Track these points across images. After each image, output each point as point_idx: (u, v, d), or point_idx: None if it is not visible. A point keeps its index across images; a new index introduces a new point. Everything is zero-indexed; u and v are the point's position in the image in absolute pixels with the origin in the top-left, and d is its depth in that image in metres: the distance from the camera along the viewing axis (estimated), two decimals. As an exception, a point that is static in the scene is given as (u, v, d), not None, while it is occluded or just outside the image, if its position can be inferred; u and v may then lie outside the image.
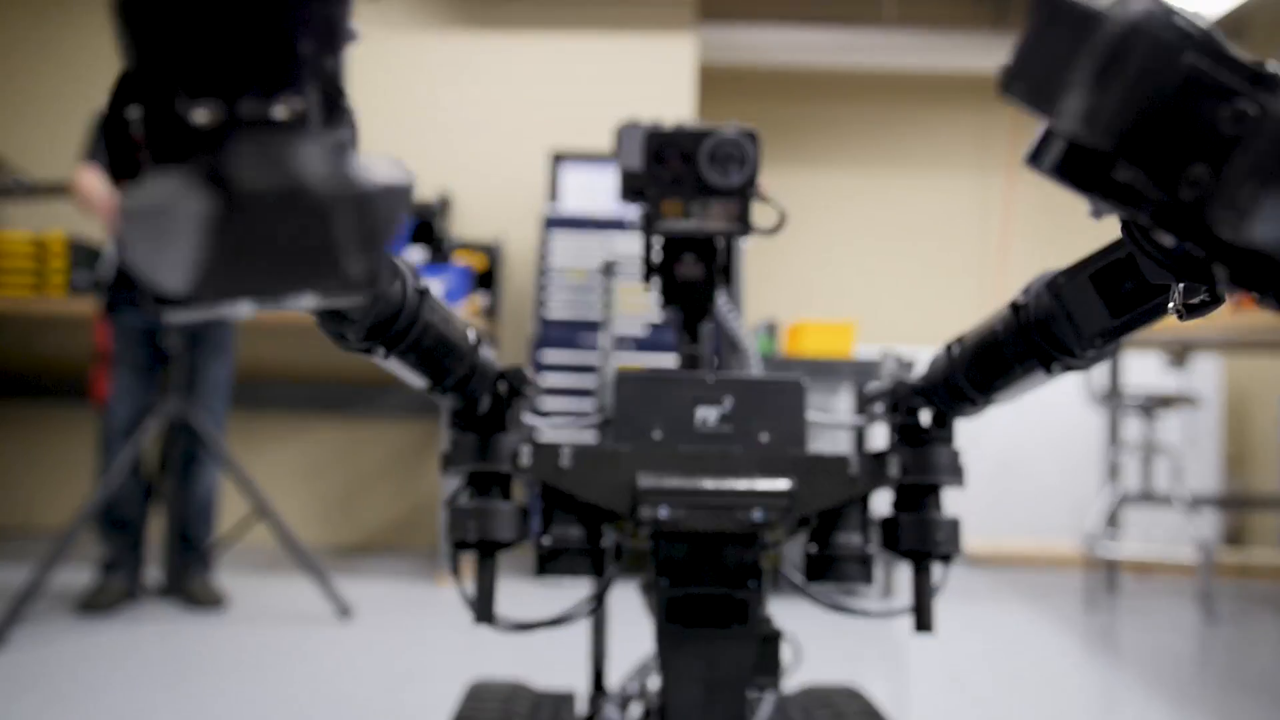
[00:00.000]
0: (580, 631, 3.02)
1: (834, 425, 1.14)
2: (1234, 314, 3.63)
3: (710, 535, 1.05)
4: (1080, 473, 5.30)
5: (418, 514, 5.13)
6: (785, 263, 6.14)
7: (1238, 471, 5.73)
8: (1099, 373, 4.76)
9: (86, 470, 4.79)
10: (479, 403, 1.08)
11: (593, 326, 4.41)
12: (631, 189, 1.23)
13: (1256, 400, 5.70)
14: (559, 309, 4.47)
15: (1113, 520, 4.48)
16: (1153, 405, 4.29)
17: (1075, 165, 0.46)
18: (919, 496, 1.10)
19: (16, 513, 5.11)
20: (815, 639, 2.21)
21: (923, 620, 1.10)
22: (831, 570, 1.09)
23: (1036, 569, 5.09)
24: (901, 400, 1.10)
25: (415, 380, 0.94)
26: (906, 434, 1.10)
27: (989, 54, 5.71)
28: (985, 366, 0.93)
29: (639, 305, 4.35)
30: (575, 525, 1.08)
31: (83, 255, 4.48)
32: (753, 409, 1.08)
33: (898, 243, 6.26)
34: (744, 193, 1.12)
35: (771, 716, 1.41)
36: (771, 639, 1.11)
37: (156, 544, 3.86)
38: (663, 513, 1.02)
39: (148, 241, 0.35)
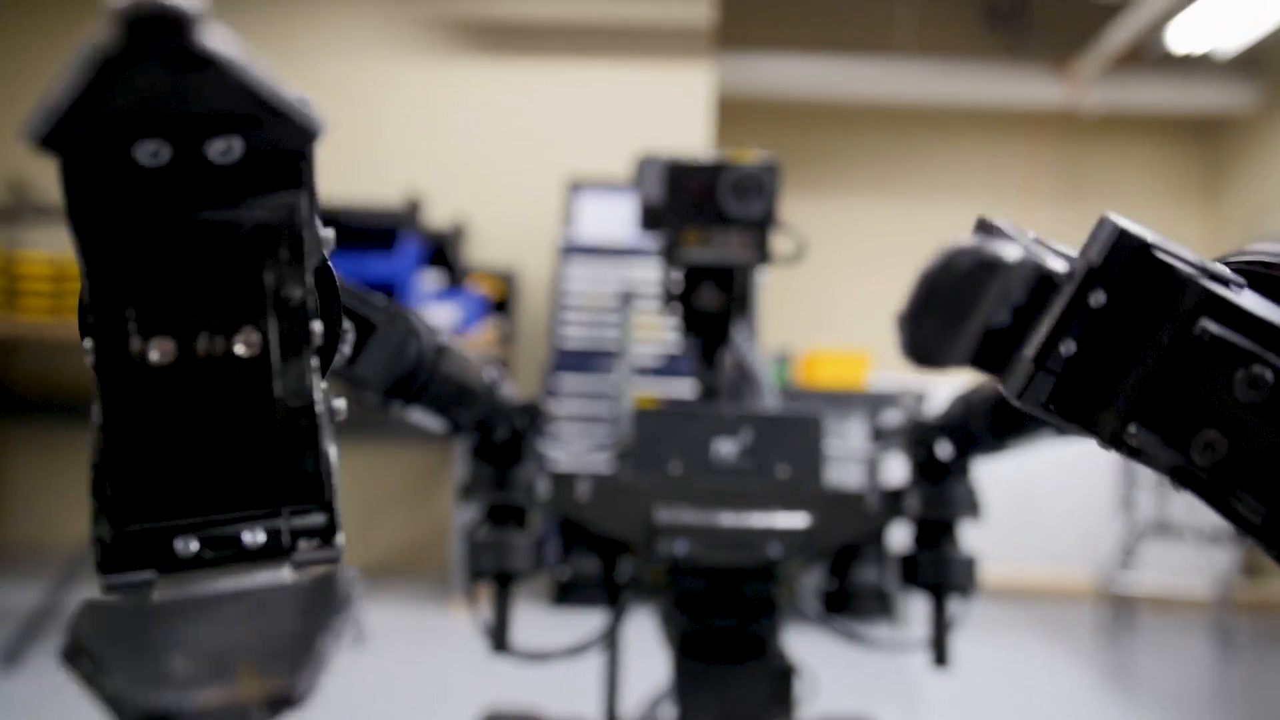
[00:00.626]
0: (594, 658, 3.01)
1: (849, 458, 1.14)
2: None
3: (728, 571, 1.04)
4: (1094, 501, 5.27)
5: (430, 538, 5.12)
6: (799, 292, 6.13)
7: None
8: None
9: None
10: (495, 434, 1.08)
11: (608, 353, 4.41)
12: (651, 220, 1.24)
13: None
14: (574, 336, 4.48)
15: (1127, 553, 4.45)
16: (1168, 437, 4.27)
17: (1070, 400, 0.44)
18: (937, 533, 1.10)
19: (32, 532, 5.13)
20: (827, 671, 2.21)
21: (940, 655, 1.09)
22: (849, 605, 1.08)
23: (1050, 601, 5.06)
24: (920, 436, 1.10)
25: (433, 425, 0.94)
26: (925, 470, 1.10)
27: (1004, 84, 5.72)
28: (1001, 418, 0.93)
29: (655, 334, 4.35)
30: (592, 557, 1.08)
31: None
32: (771, 443, 1.08)
33: (912, 272, 6.25)
34: (764, 224, 1.12)
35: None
36: (785, 674, 1.10)
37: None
38: (680, 549, 1.02)
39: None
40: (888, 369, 5.21)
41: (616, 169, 4.96)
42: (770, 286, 5.76)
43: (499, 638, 1.09)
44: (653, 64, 5.29)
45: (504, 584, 1.09)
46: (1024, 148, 6.25)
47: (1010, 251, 0.42)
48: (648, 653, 2.03)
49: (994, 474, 4.77)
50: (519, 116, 5.29)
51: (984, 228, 0.45)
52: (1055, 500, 5.33)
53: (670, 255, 1.18)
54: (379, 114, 5.30)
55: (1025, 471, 5.21)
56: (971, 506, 1.11)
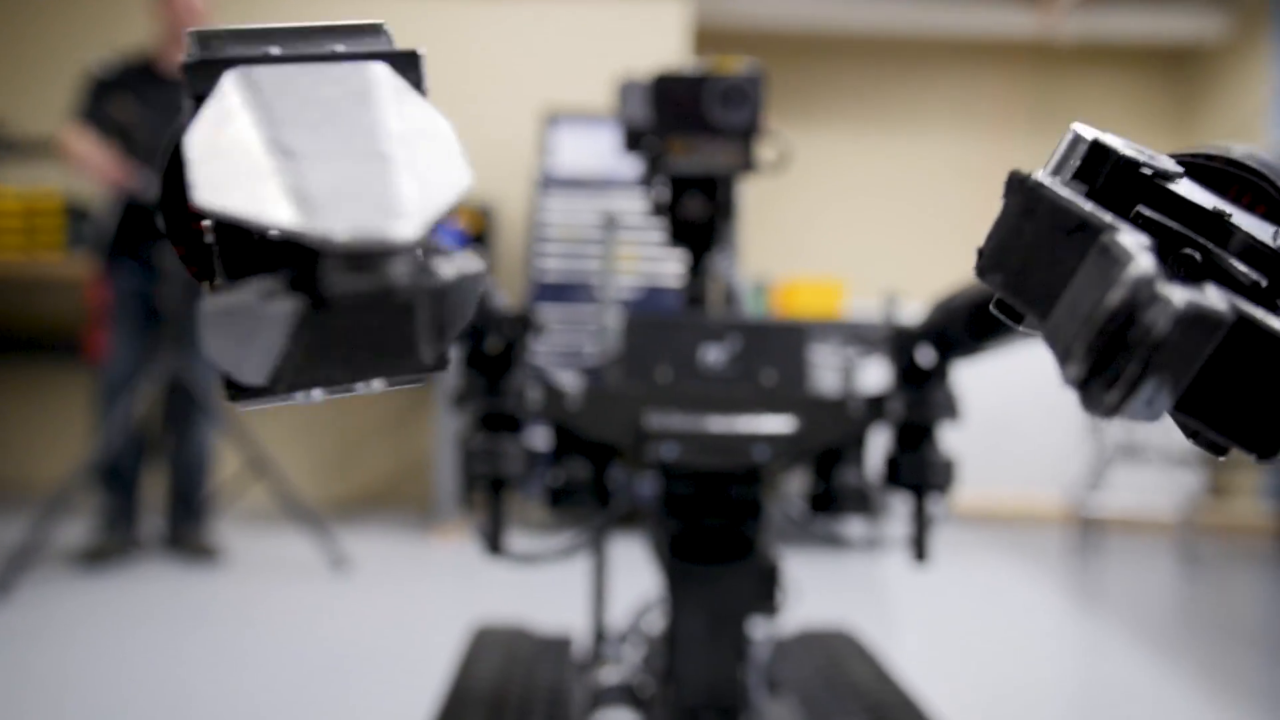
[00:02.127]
0: (573, 584, 3.06)
1: (831, 366, 1.16)
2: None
3: (715, 474, 1.07)
4: (1064, 426, 5.35)
5: (412, 470, 5.15)
6: (777, 221, 6.14)
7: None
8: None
9: (80, 428, 4.79)
10: (487, 343, 1.10)
11: (586, 285, 4.41)
12: (634, 141, 1.24)
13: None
14: (552, 268, 4.47)
15: (1096, 476, 4.53)
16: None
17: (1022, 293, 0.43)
18: (918, 435, 1.13)
19: (10, 470, 5.12)
20: (807, 582, 2.27)
21: (920, 550, 1.12)
22: (833, 505, 1.11)
23: (1021, 524, 5.15)
24: (902, 342, 1.12)
25: None
26: (906, 375, 1.12)
27: (979, 14, 5.70)
28: (978, 321, 0.95)
29: (635, 265, 4.35)
30: (583, 463, 1.10)
31: (78, 214, 4.46)
32: (757, 350, 1.09)
33: (888, 202, 6.27)
34: (749, 133, 1.13)
35: (769, 659, 1.44)
36: (771, 572, 1.13)
37: (154, 499, 3.88)
38: (669, 453, 1.04)
39: (229, 340, 0.33)
40: (863, 297, 5.24)
41: (593, 101, 4.92)
42: (748, 215, 5.77)
43: (493, 540, 1.11)
44: (628, -6, 5.23)
45: (496, 489, 1.11)
46: (999, 78, 6.24)
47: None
48: (630, 581, 2.06)
49: (968, 397, 4.80)
50: (495, 49, 5.23)
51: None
52: (1026, 425, 5.40)
53: (656, 166, 1.19)
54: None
55: (999, 394, 5.28)
56: (950, 410, 1.14)
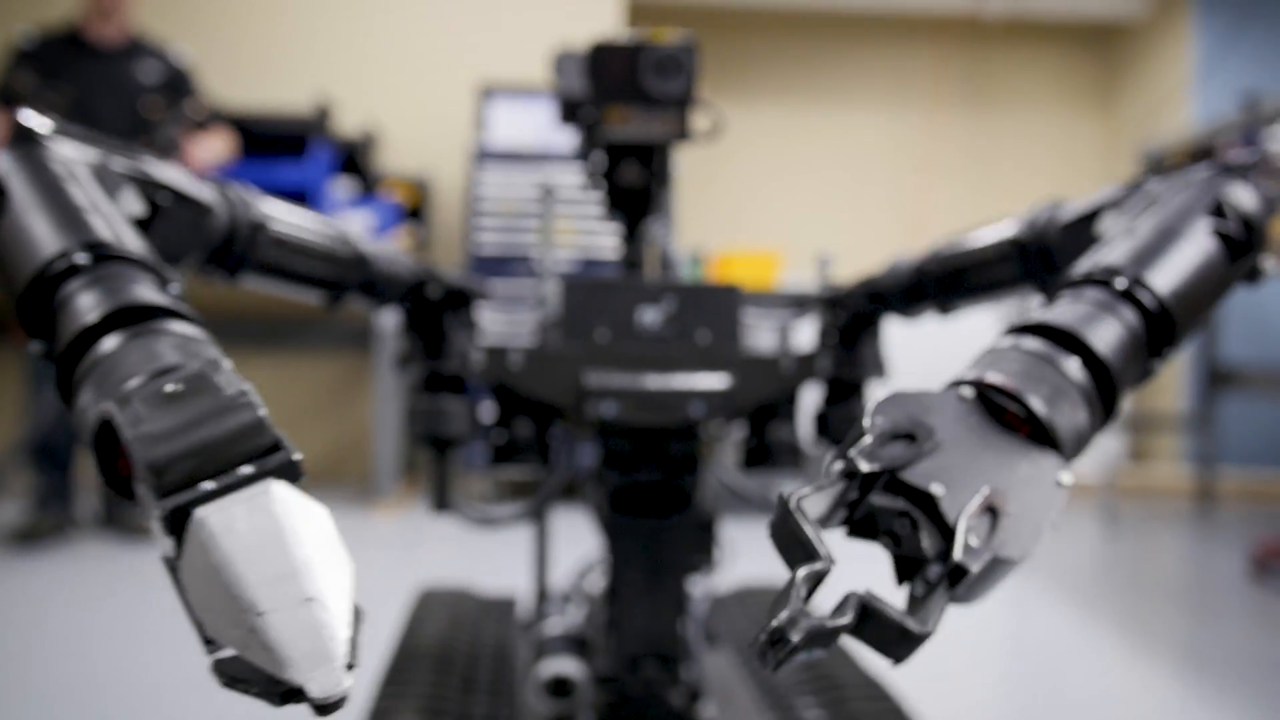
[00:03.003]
0: (517, 555, 3.09)
1: (766, 328, 1.21)
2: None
3: (653, 430, 1.10)
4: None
5: (350, 447, 5.13)
6: (712, 195, 6.19)
7: (1143, 393, 5.97)
8: (1012, 301, 4.91)
9: (10, 411, 4.71)
10: (427, 307, 1.13)
11: (523, 259, 4.42)
12: (570, 112, 1.27)
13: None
14: (489, 241, 4.48)
15: None
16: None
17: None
18: (847, 392, 1.17)
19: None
20: (747, 550, 2.32)
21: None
22: (766, 459, 1.15)
23: None
24: (839, 303, 1.17)
25: (308, 296, 1.09)
26: (844, 333, 1.17)
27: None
28: (973, 278, 1.02)
29: (571, 239, 4.37)
30: (526, 421, 1.14)
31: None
32: (692, 311, 1.13)
33: (823, 177, 6.34)
34: (683, 102, 1.16)
35: (707, 613, 1.48)
36: (708, 525, 1.18)
37: (89, 478, 3.84)
38: (608, 410, 1.07)
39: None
40: (798, 269, 5.31)
41: (528, 75, 4.91)
42: (685, 189, 5.81)
43: (440, 497, 1.14)
44: (563, -33, 5.23)
45: (441, 448, 1.14)
46: (930, 53, 6.33)
47: None
48: (571, 549, 2.10)
49: (909, 368, 4.95)
50: (430, 23, 5.19)
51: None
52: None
53: (593, 136, 1.22)
54: (289, 19, 5.17)
55: (940, 367, 5.39)
56: (878, 368, 1.19)
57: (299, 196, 4.24)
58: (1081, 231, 0.91)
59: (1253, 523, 4.51)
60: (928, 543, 0.55)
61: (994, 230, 1.05)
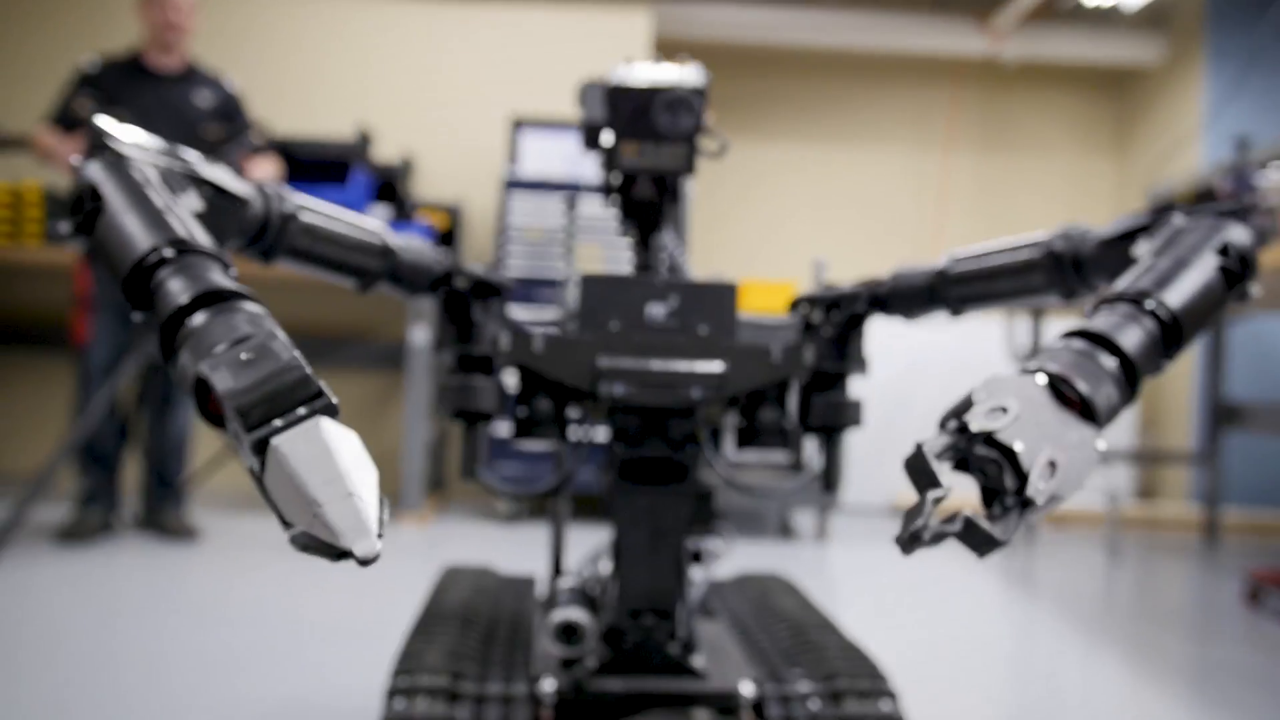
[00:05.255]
0: (535, 564, 3.22)
1: (765, 324, 1.36)
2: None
3: (657, 409, 1.25)
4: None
5: (380, 462, 5.21)
6: (733, 226, 6.37)
7: (1151, 429, 6.05)
8: (1021, 331, 5.04)
9: (59, 417, 4.89)
10: (458, 296, 1.29)
11: (550, 283, 4.58)
12: (593, 139, 1.43)
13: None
14: (518, 266, 4.64)
15: None
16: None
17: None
18: (830, 381, 1.32)
19: (-6, 458, 5.21)
20: (758, 566, 2.45)
21: (830, 482, 1.31)
22: (756, 439, 1.30)
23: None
24: (838, 303, 1.32)
25: (341, 281, 1.26)
26: (832, 330, 1.32)
27: (929, 35, 5.95)
28: (1000, 284, 1.25)
29: (592, 264, 4.53)
30: (546, 399, 1.29)
31: (58, 205, 4.57)
32: (693, 306, 1.29)
33: (840, 212, 6.50)
34: (691, 138, 1.31)
35: (706, 594, 1.62)
36: (705, 496, 1.32)
37: (130, 480, 3.99)
38: (618, 389, 1.23)
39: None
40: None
41: (558, 109, 5.11)
42: (707, 220, 5.98)
43: (468, 465, 1.29)
44: (594, 7, 5.43)
45: (470, 421, 1.29)
46: (946, 96, 6.50)
47: None
48: (585, 550, 2.23)
49: (911, 397, 5.05)
50: (465, 58, 5.41)
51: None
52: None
53: (610, 162, 1.37)
54: (332, 53, 5.40)
55: (943, 396, 5.49)
56: (860, 363, 1.33)
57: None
58: (1115, 249, 1.14)
59: (1254, 556, 4.59)
60: (1009, 481, 0.79)
61: (1018, 243, 1.22)
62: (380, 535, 0.69)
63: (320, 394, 0.74)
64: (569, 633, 1.23)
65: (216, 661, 2.31)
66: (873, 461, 5.43)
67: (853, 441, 4.66)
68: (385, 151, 5.15)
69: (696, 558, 1.44)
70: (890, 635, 2.88)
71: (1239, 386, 5.38)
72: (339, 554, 0.68)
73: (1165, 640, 3.06)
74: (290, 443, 0.71)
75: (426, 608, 1.50)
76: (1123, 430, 5.58)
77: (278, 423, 0.72)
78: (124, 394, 3.82)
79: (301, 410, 0.73)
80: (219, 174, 1.07)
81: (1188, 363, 5.76)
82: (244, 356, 0.74)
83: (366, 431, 5.23)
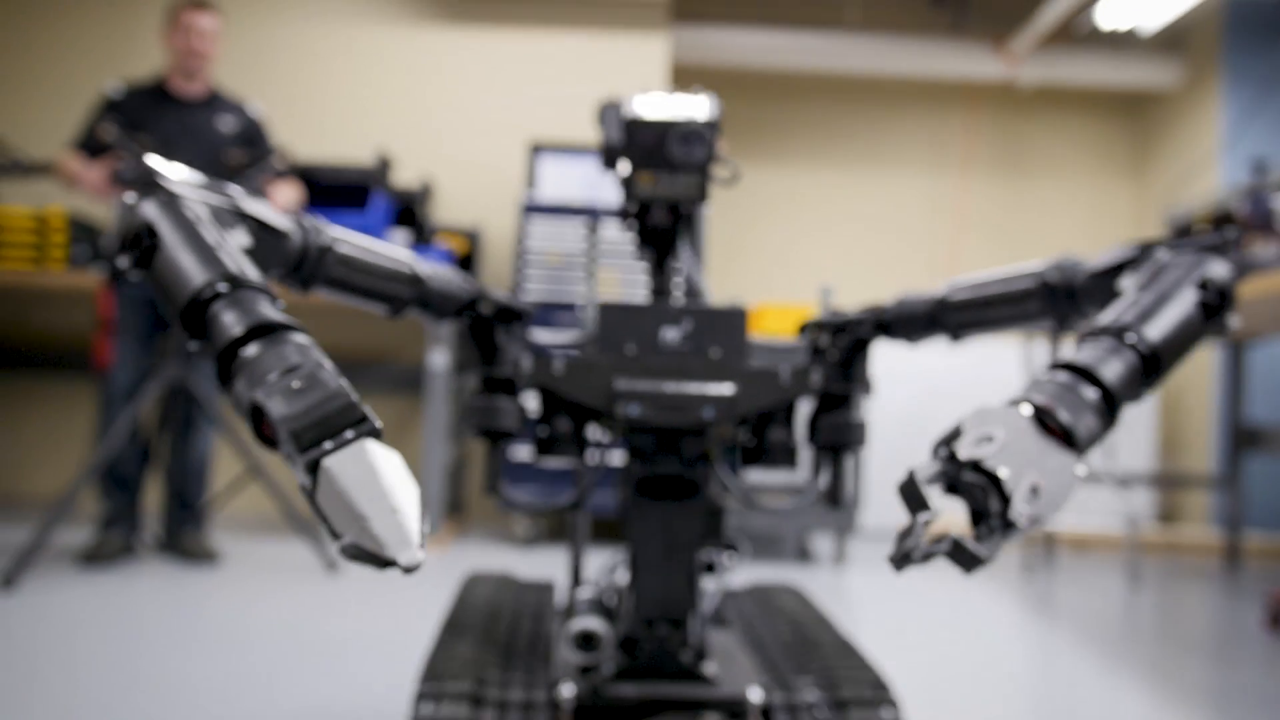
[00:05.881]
0: (546, 577, 3.29)
1: (780, 347, 1.44)
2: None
3: (670, 428, 1.34)
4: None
5: None
6: (753, 250, 6.47)
7: (1172, 453, 6.10)
8: (1040, 353, 5.10)
9: (81, 441, 5.02)
10: (482, 321, 1.38)
11: (568, 307, 4.68)
12: (611, 160, 1.52)
13: (1189, 385, 6.09)
14: (536, 290, 4.73)
15: None
16: (1089, 387, 4.60)
17: None
18: (836, 403, 1.40)
19: (10, 482, 5.32)
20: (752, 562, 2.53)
21: (835, 497, 1.40)
22: (764, 457, 1.38)
23: None
24: (845, 328, 1.41)
25: (374, 308, 1.35)
26: (838, 354, 1.40)
27: (946, 60, 6.05)
28: (997, 311, 1.34)
29: (613, 290, 4.63)
30: (565, 419, 1.38)
31: (82, 230, 4.71)
32: (706, 331, 1.38)
33: (856, 236, 6.60)
34: (704, 168, 1.41)
35: (720, 603, 1.70)
36: (716, 512, 1.40)
37: (153, 503, 4.09)
38: (633, 411, 1.32)
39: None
40: (832, 326, 5.52)
41: (576, 134, 5.22)
42: (724, 245, 6.08)
43: (491, 482, 1.38)
44: (612, 33, 5.56)
45: (494, 440, 1.38)
46: (963, 120, 6.59)
47: None
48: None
49: (926, 420, 5.13)
50: (484, 83, 5.53)
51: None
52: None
53: (628, 189, 1.47)
54: (352, 79, 5.54)
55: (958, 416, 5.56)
56: (865, 385, 1.42)
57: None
58: (1104, 281, 1.23)
59: (1276, 580, 4.63)
60: (994, 504, 0.88)
61: (1015, 272, 1.31)
62: (422, 547, 0.79)
63: (365, 419, 0.83)
64: (587, 641, 1.31)
65: (239, 680, 2.38)
66: (892, 485, 5.49)
67: (871, 465, 4.73)
68: (405, 176, 5.27)
69: (710, 569, 1.53)
70: (908, 658, 2.93)
71: (1259, 409, 5.43)
72: (385, 563, 0.78)
73: (1186, 664, 3.10)
74: (340, 464, 0.80)
75: (451, 614, 1.58)
76: (1142, 454, 5.64)
77: (328, 445, 0.81)
78: (146, 418, 3.93)
79: (349, 434, 0.82)
80: (262, 209, 1.16)
81: (1207, 386, 5.81)
82: (295, 385, 0.84)
83: (384, 454, 5.36)
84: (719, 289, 6.21)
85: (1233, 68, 5.76)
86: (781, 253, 6.55)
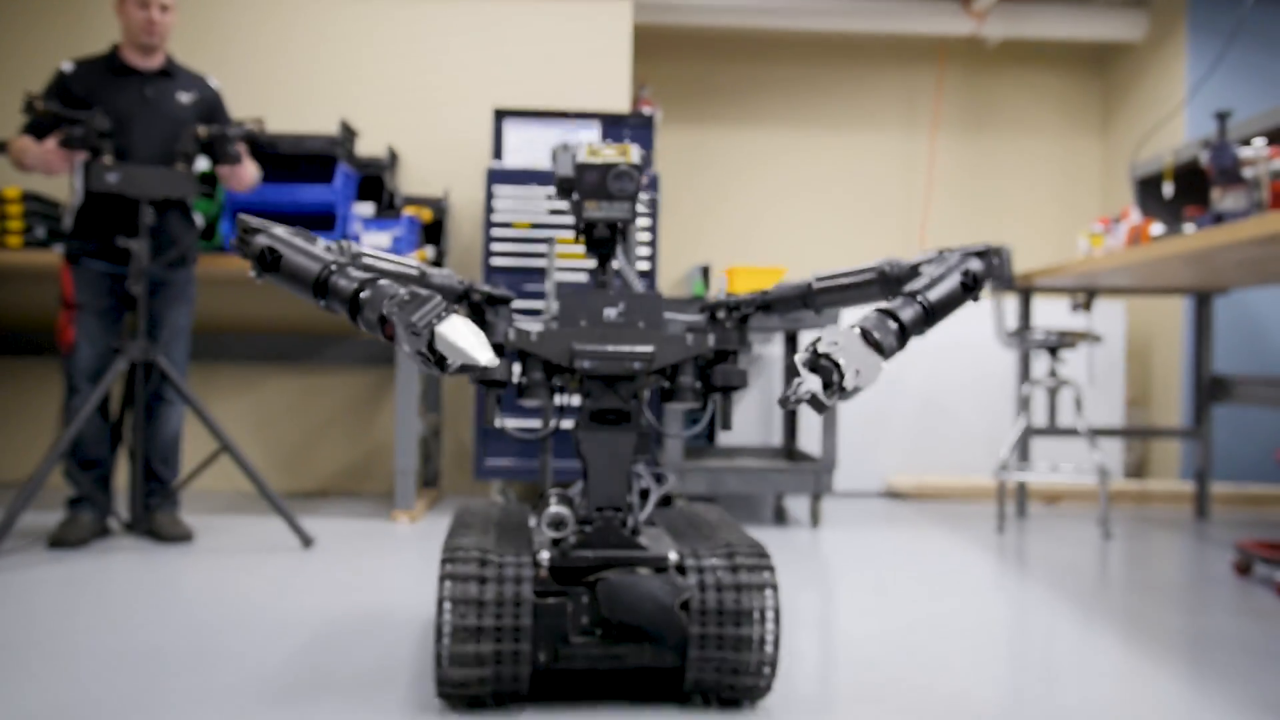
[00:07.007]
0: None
1: (684, 319, 2.43)
2: (1130, 251, 4.69)
3: (612, 376, 2.32)
4: (999, 414, 6.48)
5: (372, 460, 6.13)
6: (725, 213, 7.40)
7: (1142, 408, 7.05)
8: (1010, 313, 5.88)
9: (48, 423, 5.65)
10: (474, 306, 2.36)
11: (535, 273, 5.40)
12: (563, 191, 2.50)
13: (1157, 340, 7.00)
14: (503, 258, 5.45)
15: (1022, 451, 5.57)
16: (1058, 342, 5.21)
17: None
18: (724, 356, 2.40)
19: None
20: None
21: (726, 423, 2.39)
22: (675, 396, 2.37)
23: (955, 500, 6.19)
24: (736, 306, 2.39)
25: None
26: (730, 324, 2.39)
27: (916, 18, 6.96)
28: (848, 294, 2.29)
29: (572, 258, 5.38)
30: (538, 371, 2.36)
31: (39, 206, 5.22)
32: (635, 310, 2.36)
33: (829, 197, 7.55)
34: (634, 197, 2.41)
35: (651, 512, 2.67)
36: (645, 434, 2.38)
37: (120, 484, 4.60)
38: (586, 364, 2.30)
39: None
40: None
41: (541, 99, 6.04)
42: (696, 209, 6.99)
43: (489, 416, 2.36)
44: (574, -3, 6.31)
45: (489, 387, 2.37)
46: (931, 76, 7.55)
47: None
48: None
49: (905, 384, 6.06)
50: (448, 50, 6.28)
51: None
52: (962, 411, 6.53)
53: (578, 213, 2.46)
54: (314, 49, 6.24)
55: (934, 381, 6.44)
56: (746, 345, 2.40)
57: (325, 216, 5.27)
58: (914, 271, 2.16)
59: (1243, 528, 5.28)
60: (835, 378, 1.70)
61: (859, 268, 2.27)
62: (490, 363, 1.73)
63: (448, 305, 1.72)
64: (557, 522, 2.28)
65: (218, 658, 2.70)
66: (865, 447, 6.42)
67: (845, 427, 5.68)
68: (369, 146, 5.99)
69: (659, 480, 2.52)
70: (887, 614, 3.36)
71: (1226, 360, 6.34)
72: (479, 369, 1.71)
73: (1159, 611, 3.46)
74: (442, 327, 1.71)
75: (454, 522, 2.57)
76: (1113, 407, 6.52)
77: (434, 320, 1.71)
78: (113, 397, 4.37)
79: (443, 312, 1.72)
80: (315, 237, 2.08)
81: (1175, 339, 6.70)
82: (405, 298, 1.75)
83: (357, 428, 6.16)
84: (690, 252, 7.14)
85: (1198, 20, 6.66)
86: (753, 214, 7.48)
